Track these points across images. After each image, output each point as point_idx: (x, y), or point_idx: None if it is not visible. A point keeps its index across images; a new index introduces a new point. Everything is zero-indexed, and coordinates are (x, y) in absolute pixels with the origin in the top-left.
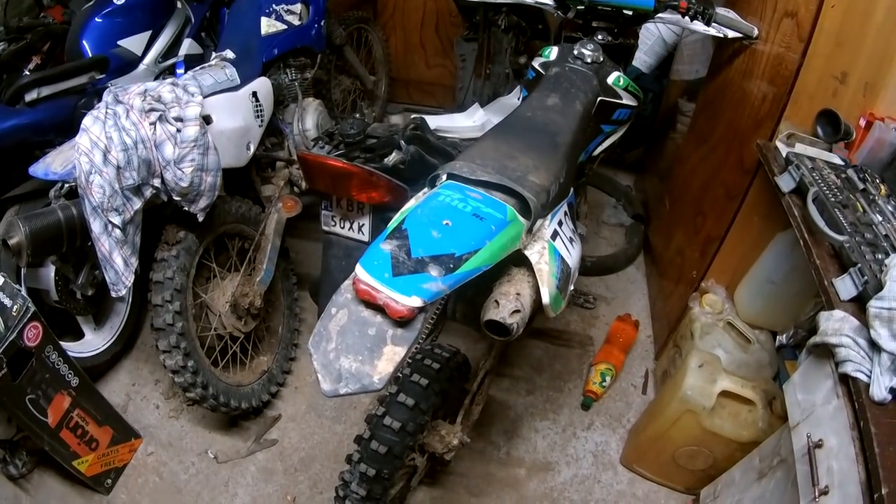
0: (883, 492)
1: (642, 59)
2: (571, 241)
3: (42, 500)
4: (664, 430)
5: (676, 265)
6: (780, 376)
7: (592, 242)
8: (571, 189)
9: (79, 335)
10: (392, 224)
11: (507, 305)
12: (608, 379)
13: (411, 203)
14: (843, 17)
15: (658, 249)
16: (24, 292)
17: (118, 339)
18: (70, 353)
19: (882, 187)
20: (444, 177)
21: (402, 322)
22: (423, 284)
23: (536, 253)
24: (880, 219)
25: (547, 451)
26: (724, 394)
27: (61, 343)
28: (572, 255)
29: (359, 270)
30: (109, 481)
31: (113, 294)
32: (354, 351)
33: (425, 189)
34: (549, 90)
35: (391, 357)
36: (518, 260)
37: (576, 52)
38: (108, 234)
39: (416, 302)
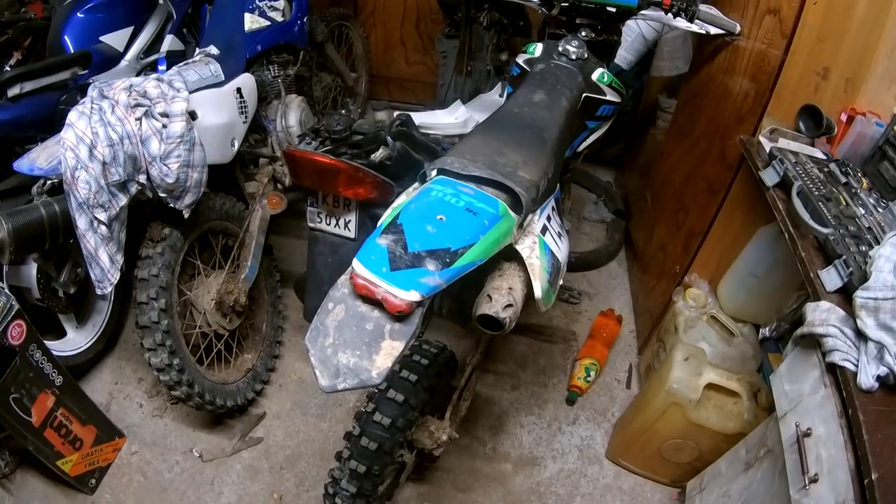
0: (872, 477)
1: (623, 55)
2: (560, 235)
3: (25, 500)
4: (650, 424)
5: (658, 260)
6: (763, 369)
7: (574, 238)
8: (558, 185)
9: (61, 334)
10: (386, 219)
11: (500, 300)
12: (592, 374)
13: (402, 198)
14: (825, 13)
15: (640, 245)
16: (6, 290)
17: (100, 338)
18: (53, 352)
19: (864, 181)
20: (435, 172)
21: (400, 317)
22: (420, 279)
23: (527, 248)
24: (863, 212)
25: (533, 446)
26: (710, 386)
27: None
28: (561, 250)
29: (356, 265)
30: (94, 481)
31: (98, 291)
32: (352, 346)
33: (416, 184)
34: (535, 86)
35: (389, 352)
36: (508, 255)
37: (560, 49)
38: (93, 230)
39: (414, 296)
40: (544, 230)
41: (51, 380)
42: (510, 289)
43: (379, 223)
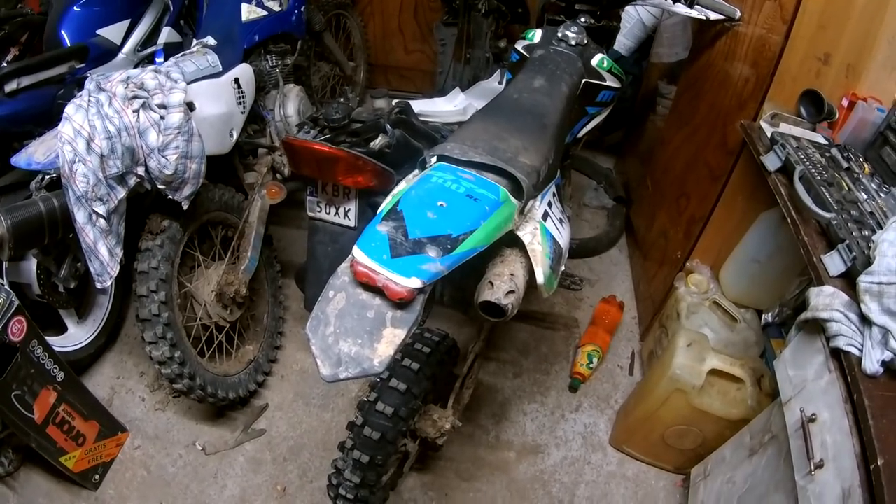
0: (879, 463)
1: (622, 42)
2: (561, 221)
3: (29, 497)
4: (653, 410)
5: (660, 246)
6: (766, 354)
7: (574, 225)
8: (559, 171)
9: (61, 329)
10: (386, 206)
11: (502, 286)
12: (595, 360)
13: (402, 185)
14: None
15: (641, 231)
16: (6, 286)
17: (101, 332)
18: (54, 348)
19: (865, 166)
20: (435, 158)
21: (402, 304)
22: (421, 265)
23: (529, 234)
24: (865, 196)
25: (536, 434)
26: (713, 372)
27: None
28: (563, 236)
29: (356, 252)
30: (97, 477)
31: (98, 285)
32: (354, 334)
33: (415, 171)
34: (534, 72)
35: (391, 340)
36: (509, 241)
37: (560, 35)
38: (92, 223)
39: (415, 283)
40: (545, 216)
41: (52, 376)
42: (512, 275)
43: (379, 210)
